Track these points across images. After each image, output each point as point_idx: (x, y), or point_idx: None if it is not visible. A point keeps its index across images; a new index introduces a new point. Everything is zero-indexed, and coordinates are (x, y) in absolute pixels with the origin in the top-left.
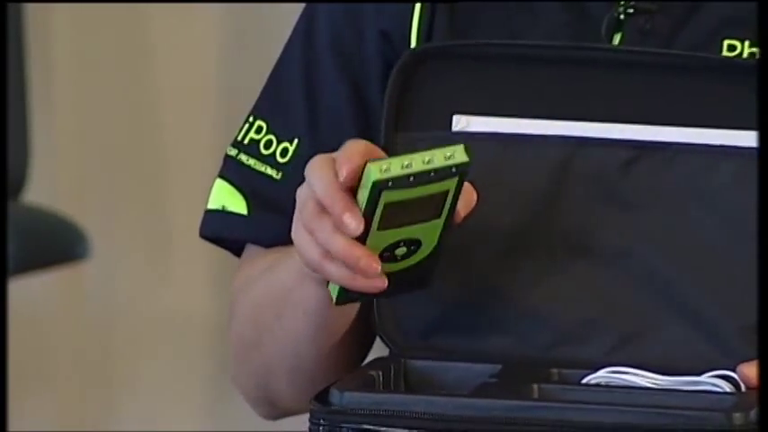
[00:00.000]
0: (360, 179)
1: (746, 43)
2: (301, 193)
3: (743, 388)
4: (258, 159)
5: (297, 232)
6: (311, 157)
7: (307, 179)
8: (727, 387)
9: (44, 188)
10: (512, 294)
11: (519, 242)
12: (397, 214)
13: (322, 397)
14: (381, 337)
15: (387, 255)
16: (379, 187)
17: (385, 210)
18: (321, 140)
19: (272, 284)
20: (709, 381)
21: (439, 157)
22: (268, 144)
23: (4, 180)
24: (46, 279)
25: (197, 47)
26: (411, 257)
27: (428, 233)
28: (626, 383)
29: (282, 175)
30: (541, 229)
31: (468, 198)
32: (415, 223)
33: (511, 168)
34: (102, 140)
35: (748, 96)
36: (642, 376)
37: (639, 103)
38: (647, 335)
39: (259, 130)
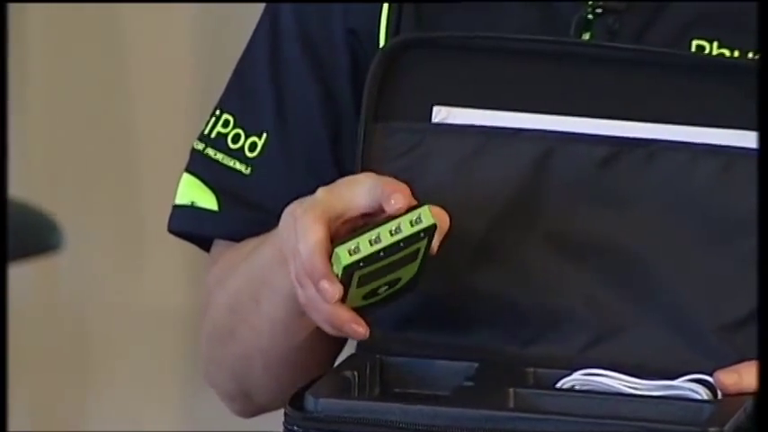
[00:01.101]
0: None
1: (715, 44)
2: (291, 238)
3: (719, 395)
4: (226, 154)
5: (293, 277)
6: (280, 151)
7: (296, 230)
8: (704, 393)
9: (17, 179)
10: (489, 289)
11: (497, 236)
12: (373, 276)
13: (296, 402)
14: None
15: (369, 296)
16: (350, 270)
17: (360, 278)
18: (290, 135)
19: (251, 271)
20: (686, 386)
21: (406, 225)
22: (236, 138)
23: (5, 179)
24: (19, 271)
25: (170, 43)
26: (392, 289)
27: (407, 272)
28: (601, 388)
29: (252, 170)
30: (520, 224)
31: (441, 228)
32: (391, 273)
33: (490, 161)
34: (76, 132)
35: (730, 95)
36: (617, 379)
37: (621, 99)
38: (624, 332)
39: (226, 124)
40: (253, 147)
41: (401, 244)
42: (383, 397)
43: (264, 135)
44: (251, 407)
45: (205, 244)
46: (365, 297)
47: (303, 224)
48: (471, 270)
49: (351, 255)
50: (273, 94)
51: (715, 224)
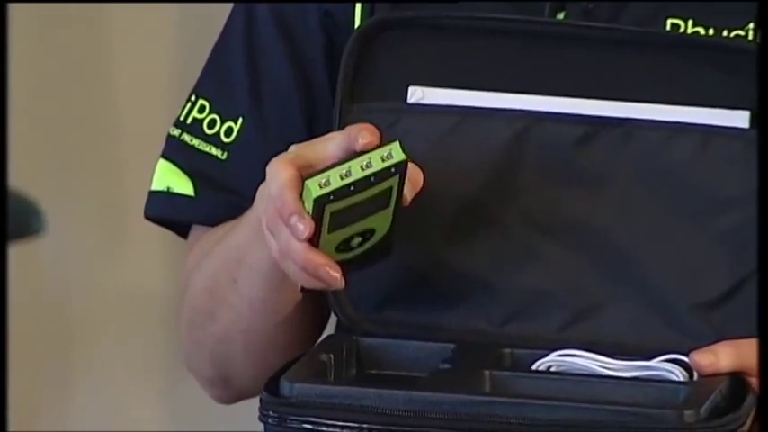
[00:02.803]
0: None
1: (690, 22)
2: (263, 191)
3: (695, 375)
4: (202, 139)
5: (264, 227)
6: (256, 136)
7: (266, 178)
8: (680, 373)
9: None
10: (466, 268)
11: (474, 215)
12: (345, 217)
13: (272, 386)
14: (334, 310)
15: (342, 248)
16: (321, 203)
17: (332, 217)
18: (265, 119)
19: (227, 251)
20: (662, 366)
21: (376, 160)
22: (212, 123)
23: (4, 178)
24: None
25: (153, 32)
26: (366, 244)
27: (379, 222)
28: (577, 369)
29: (228, 155)
30: (496, 203)
31: (414, 180)
32: (364, 218)
33: (466, 141)
34: (58, 117)
35: (704, 73)
36: (594, 360)
37: (596, 78)
38: (601, 312)
39: (202, 110)
40: (229, 132)
41: (372, 179)
42: (359, 381)
43: (240, 120)
44: (231, 392)
45: (182, 231)
46: (338, 249)
47: (274, 168)
48: (448, 249)
49: (321, 188)
50: (249, 78)
51: (690, 203)
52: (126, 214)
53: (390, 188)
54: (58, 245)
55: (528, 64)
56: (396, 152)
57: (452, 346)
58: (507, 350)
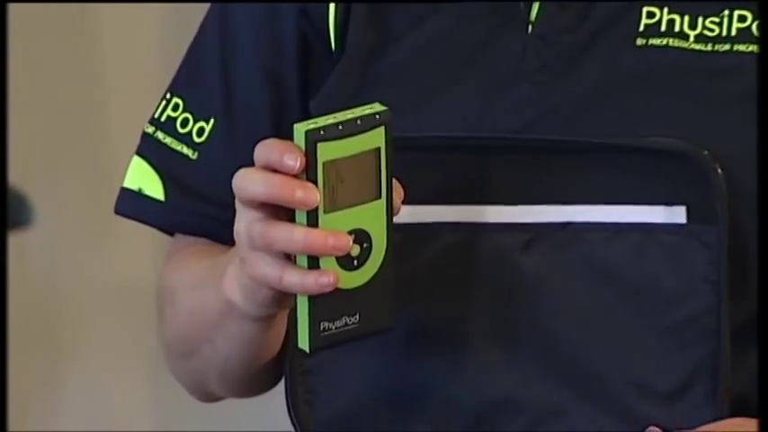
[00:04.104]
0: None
1: (665, 9)
2: (239, 225)
3: None
4: (175, 138)
5: (248, 265)
6: (225, 137)
7: (241, 181)
8: None
9: None
10: (424, 383)
11: (430, 329)
12: (338, 186)
13: None
14: (294, 425)
15: (342, 258)
16: (312, 138)
17: (325, 176)
18: (235, 121)
19: (202, 309)
20: None
21: (359, 109)
22: (185, 122)
23: (4, 176)
24: None
25: (141, 28)
26: (367, 263)
27: (374, 222)
28: None
29: (198, 156)
30: (449, 314)
31: (399, 191)
32: (358, 204)
33: (410, 257)
34: (47, 108)
35: (643, 173)
36: None
37: (537, 184)
38: (560, 416)
39: (176, 108)
40: (200, 132)
41: (358, 122)
42: None
43: (212, 120)
44: (213, 400)
45: (156, 226)
46: (341, 264)
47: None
48: (407, 360)
49: (309, 124)
50: (221, 79)
51: (634, 301)
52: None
53: (378, 159)
54: (46, 237)
55: (468, 175)
56: (376, 105)
57: None
58: None
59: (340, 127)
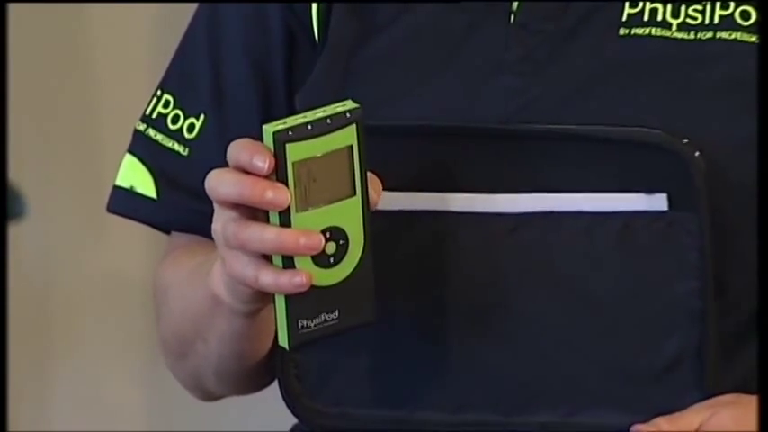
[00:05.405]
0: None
1: None
2: (215, 225)
3: None
4: (166, 135)
5: (227, 264)
6: (215, 134)
7: (216, 182)
8: None
9: None
10: (410, 368)
11: (411, 316)
12: (310, 185)
13: None
14: (290, 409)
15: (318, 257)
16: (280, 139)
17: (296, 175)
18: (225, 118)
19: (194, 307)
20: None
21: (330, 107)
22: (175, 119)
23: (4, 175)
24: None
25: (132, 23)
26: (344, 261)
27: (349, 219)
28: None
29: (189, 152)
30: (431, 302)
31: (375, 185)
32: (332, 202)
33: (392, 243)
34: (39, 100)
35: (625, 161)
36: None
37: (521, 173)
38: (542, 400)
39: (167, 105)
40: (191, 128)
41: (328, 121)
42: None
43: (202, 117)
44: (210, 398)
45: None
46: (316, 261)
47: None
48: (390, 350)
49: (278, 125)
50: (211, 75)
51: (618, 286)
52: (107, 199)
53: (351, 150)
54: (39, 229)
55: (451, 163)
56: (348, 102)
57: None
58: None
59: (309, 127)
